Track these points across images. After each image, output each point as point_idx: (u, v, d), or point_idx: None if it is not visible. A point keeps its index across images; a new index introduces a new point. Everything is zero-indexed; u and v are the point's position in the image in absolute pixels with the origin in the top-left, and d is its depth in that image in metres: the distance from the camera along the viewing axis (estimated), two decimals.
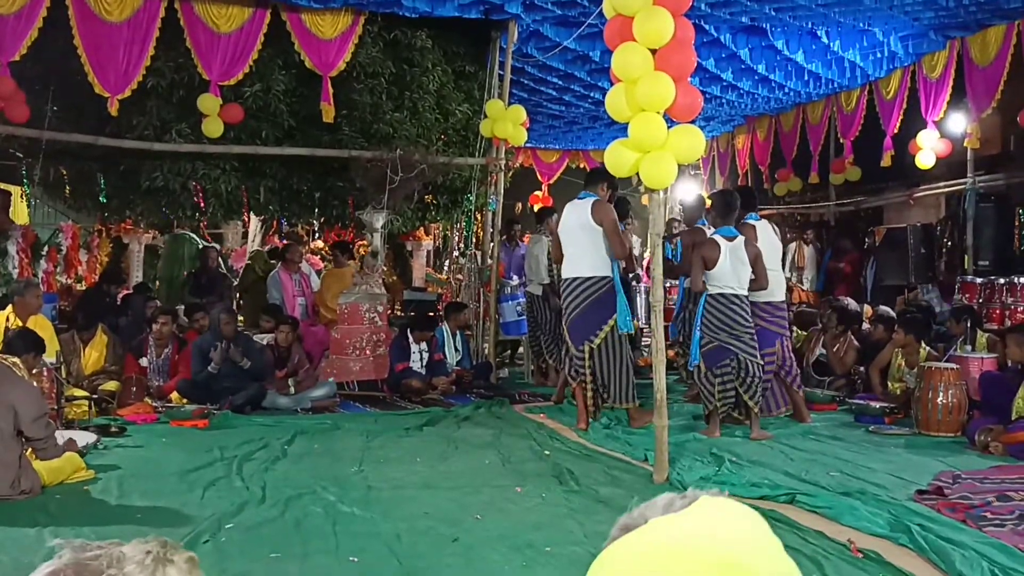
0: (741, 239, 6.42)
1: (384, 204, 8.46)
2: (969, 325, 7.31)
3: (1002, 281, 8.58)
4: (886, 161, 10.34)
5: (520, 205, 16.72)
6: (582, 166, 15.59)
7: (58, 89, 8.52)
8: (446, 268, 14.16)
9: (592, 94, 11.09)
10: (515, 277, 9.67)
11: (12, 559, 3.62)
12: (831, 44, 9.30)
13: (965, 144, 9.67)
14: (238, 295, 11.02)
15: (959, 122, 9.82)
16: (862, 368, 7.99)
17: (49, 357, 6.26)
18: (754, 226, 6.89)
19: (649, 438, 5.52)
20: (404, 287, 12.78)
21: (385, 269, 10.76)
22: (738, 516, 0.82)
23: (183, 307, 9.34)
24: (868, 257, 11.31)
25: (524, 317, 9.39)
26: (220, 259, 11.35)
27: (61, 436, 5.12)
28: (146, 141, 8.59)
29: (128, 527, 4.09)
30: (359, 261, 10.49)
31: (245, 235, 13.84)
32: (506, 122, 9.08)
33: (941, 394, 6.43)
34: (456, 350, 8.94)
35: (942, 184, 10.66)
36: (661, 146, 4.96)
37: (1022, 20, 8.28)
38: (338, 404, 7.76)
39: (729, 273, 6.30)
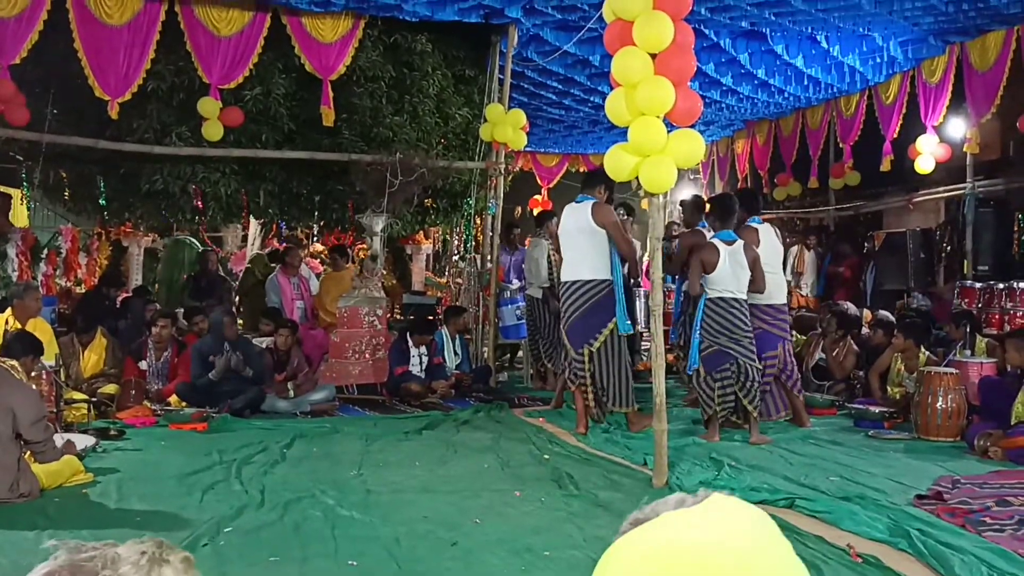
0: (740, 243, 6.41)
1: (384, 208, 8.47)
2: (968, 330, 7.31)
3: (1001, 286, 8.58)
4: (886, 166, 10.35)
5: (520, 209, 16.73)
6: (582, 170, 15.57)
7: (58, 92, 8.53)
8: (446, 272, 14.16)
9: (592, 98, 11.11)
10: (515, 281, 9.67)
11: (11, 562, 3.61)
12: (831, 49, 9.32)
13: (964, 149, 9.69)
14: (237, 298, 11.02)
15: (958, 127, 9.83)
16: (861, 372, 7.99)
17: (48, 360, 6.26)
18: (756, 229, 6.88)
19: (648, 442, 5.51)
20: (403, 291, 12.79)
21: (384, 273, 10.77)
22: (749, 515, 0.83)
23: (182, 310, 9.34)
24: (868, 261, 11.32)
25: (523, 321, 9.38)
26: (219, 262, 11.36)
27: (60, 439, 5.12)
28: (146, 144, 8.60)
29: (127, 530, 4.08)
30: (358, 264, 10.49)
31: (244, 238, 13.84)
32: (506, 126, 9.09)
33: (940, 399, 6.42)
34: (455, 354, 8.94)
35: (941, 189, 10.68)
36: (661, 150, 4.96)
37: (1021, 26, 8.29)
38: (337, 408, 7.76)
39: (728, 277, 6.30)
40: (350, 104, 8.97)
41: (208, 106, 8.39)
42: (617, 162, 5.16)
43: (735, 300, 6.33)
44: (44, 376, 6.06)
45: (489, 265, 9.59)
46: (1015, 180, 9.74)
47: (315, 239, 13.87)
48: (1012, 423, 5.86)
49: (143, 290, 10.86)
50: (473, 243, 11.27)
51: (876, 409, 7.10)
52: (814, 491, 4.80)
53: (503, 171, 9.58)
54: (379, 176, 8.41)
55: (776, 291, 6.90)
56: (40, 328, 6.61)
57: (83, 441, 5.65)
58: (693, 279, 6.41)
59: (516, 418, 7.45)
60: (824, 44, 9.21)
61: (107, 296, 9.99)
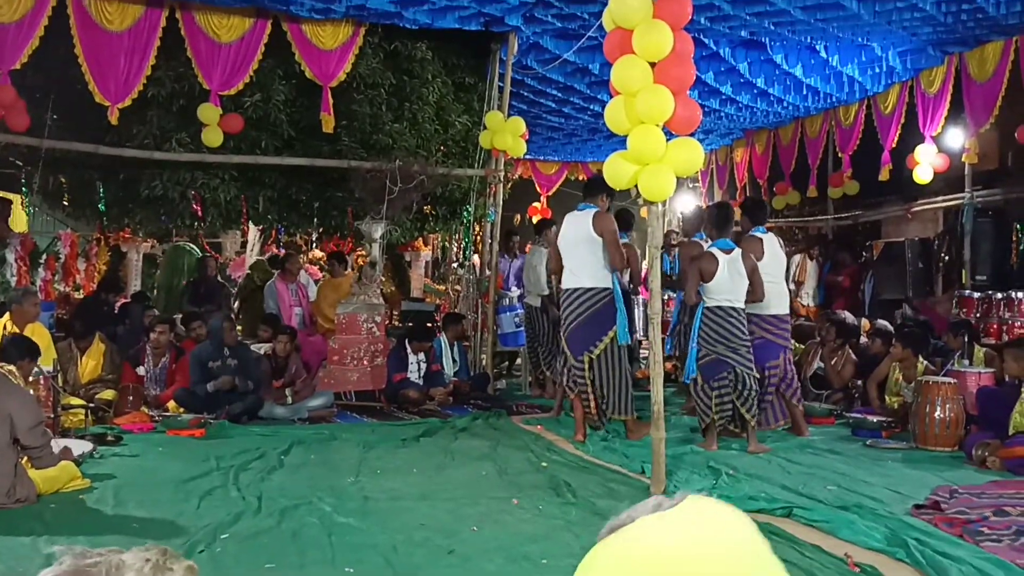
0: (739, 251, 6.41)
1: (383, 215, 8.47)
2: (967, 340, 7.32)
3: (999, 296, 8.59)
4: (884, 175, 10.36)
5: (519, 216, 16.76)
6: (581, 178, 15.60)
7: (58, 98, 8.53)
8: (445, 279, 14.17)
9: (591, 106, 11.13)
10: (514, 288, 9.67)
11: (8, 568, 3.60)
12: (830, 59, 9.35)
13: (963, 159, 9.70)
14: (236, 304, 11.02)
15: (957, 137, 9.85)
16: (860, 382, 7.98)
17: (46, 365, 6.26)
18: (761, 239, 6.86)
19: (646, 450, 5.52)
20: (402, 297, 12.78)
21: (383, 280, 10.76)
22: (725, 516, 0.82)
23: (181, 316, 9.34)
24: (866, 271, 11.32)
25: (522, 328, 9.38)
26: (218, 268, 11.36)
27: (57, 445, 5.10)
28: (146, 150, 8.60)
29: (124, 536, 4.08)
30: (357, 271, 10.50)
31: (243, 244, 13.85)
32: (505, 134, 9.10)
33: (939, 408, 6.43)
34: (454, 361, 8.94)
35: (940, 199, 10.69)
36: (660, 159, 4.97)
37: (1020, 36, 8.32)
38: (335, 414, 7.76)
39: (727, 286, 6.30)
40: (350, 111, 8.99)
41: (208, 112, 8.40)
42: (616, 170, 5.17)
43: (733, 309, 6.33)
44: (42, 381, 6.06)
45: (488, 272, 9.59)
46: (1013, 190, 9.75)
47: (314, 245, 13.87)
48: (1010, 433, 5.85)
49: (142, 296, 10.85)
50: (472, 250, 11.27)
51: (874, 418, 7.10)
52: (812, 500, 4.80)
53: (502, 178, 9.60)
54: (378, 183, 8.42)
55: (779, 301, 6.89)
56: (38, 333, 6.61)
57: (80, 447, 5.63)
58: (690, 288, 6.41)
59: (514, 425, 7.45)
60: (823, 54, 9.24)
61: (106, 302, 10.00)
